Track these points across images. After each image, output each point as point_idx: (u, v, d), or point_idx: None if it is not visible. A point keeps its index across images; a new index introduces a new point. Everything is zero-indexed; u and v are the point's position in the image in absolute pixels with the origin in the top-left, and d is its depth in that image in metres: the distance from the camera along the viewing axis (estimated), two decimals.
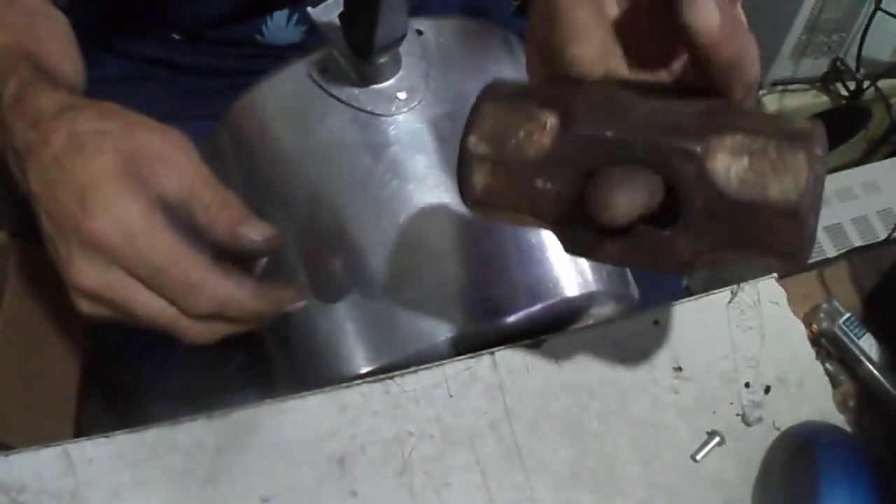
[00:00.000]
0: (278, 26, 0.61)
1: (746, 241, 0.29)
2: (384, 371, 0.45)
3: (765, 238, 0.28)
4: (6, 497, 0.41)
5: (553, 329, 0.47)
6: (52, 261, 0.37)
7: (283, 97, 0.49)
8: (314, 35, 0.57)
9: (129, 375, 0.65)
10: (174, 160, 0.37)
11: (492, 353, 0.46)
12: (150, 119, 0.38)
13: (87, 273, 0.35)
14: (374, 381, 0.45)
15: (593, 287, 0.47)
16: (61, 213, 0.35)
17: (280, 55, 0.62)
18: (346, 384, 0.44)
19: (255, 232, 0.37)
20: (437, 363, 0.45)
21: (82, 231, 0.34)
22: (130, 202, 0.34)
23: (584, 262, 0.48)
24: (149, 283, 0.35)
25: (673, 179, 0.28)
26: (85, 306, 0.37)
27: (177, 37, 0.63)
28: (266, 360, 0.55)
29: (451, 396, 0.45)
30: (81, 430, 1.12)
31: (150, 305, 0.36)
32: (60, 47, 0.44)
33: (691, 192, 0.28)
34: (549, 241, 0.46)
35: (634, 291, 0.52)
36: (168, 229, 0.35)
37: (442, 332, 0.44)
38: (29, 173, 0.37)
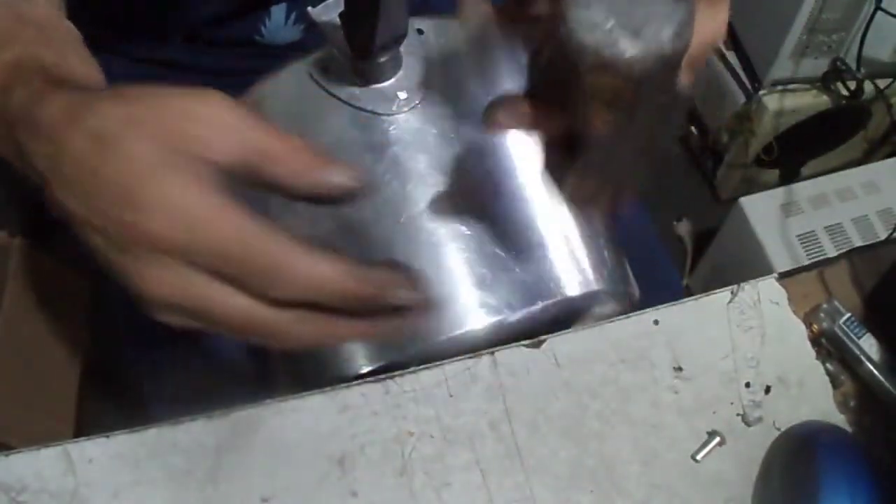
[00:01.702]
0: (277, 25, 0.61)
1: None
2: (384, 371, 0.45)
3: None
4: (6, 497, 0.41)
5: (554, 328, 0.47)
6: (119, 279, 0.32)
7: (284, 97, 0.49)
8: (314, 33, 0.57)
9: (130, 375, 0.65)
10: (218, 120, 0.31)
11: (492, 353, 0.46)
12: (172, 87, 0.32)
13: (159, 282, 0.30)
14: (374, 381, 0.45)
15: (594, 286, 0.47)
16: (110, 224, 0.30)
17: (280, 55, 0.62)
18: (346, 384, 0.44)
19: (341, 173, 0.32)
20: (437, 363, 0.45)
21: (139, 237, 0.30)
22: (182, 189, 0.29)
23: (585, 262, 0.48)
24: (228, 278, 0.30)
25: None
26: (165, 318, 0.32)
27: (177, 37, 0.64)
28: (266, 360, 0.55)
29: (450, 396, 0.45)
30: (81, 430, 1.12)
31: (231, 305, 0.30)
32: (80, 56, 0.40)
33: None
34: (550, 241, 0.46)
35: (635, 290, 0.52)
36: (233, 208, 0.30)
37: (442, 331, 0.44)
38: (60, 193, 0.32)
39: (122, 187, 0.30)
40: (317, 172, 0.32)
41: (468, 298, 0.44)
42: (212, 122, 0.31)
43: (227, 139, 0.31)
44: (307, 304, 0.31)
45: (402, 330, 0.33)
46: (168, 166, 0.30)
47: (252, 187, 0.32)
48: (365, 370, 0.44)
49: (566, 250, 0.47)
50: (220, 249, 0.30)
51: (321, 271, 0.31)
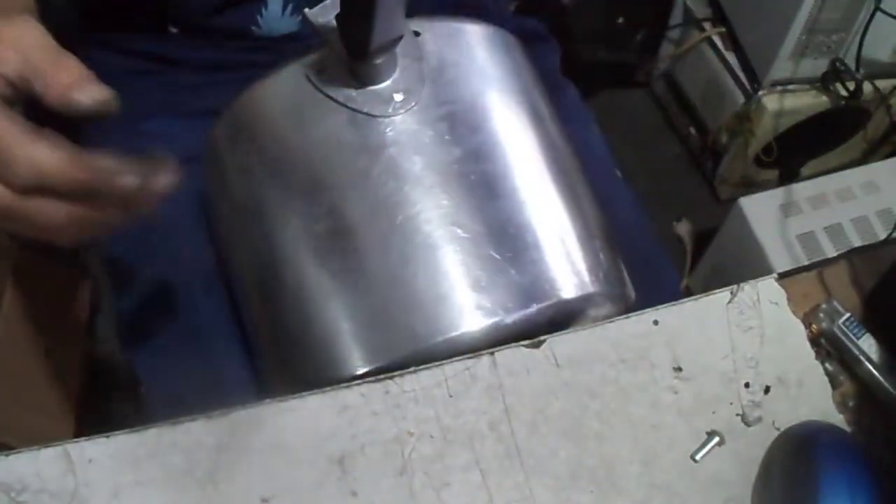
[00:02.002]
0: (274, 15, 0.61)
1: None
2: (380, 372, 0.45)
3: None
4: (6, 497, 0.41)
5: (550, 330, 0.47)
6: None
7: (280, 98, 0.49)
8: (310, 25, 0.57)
9: (130, 375, 0.65)
10: (12, 38, 0.37)
11: (491, 354, 0.46)
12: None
13: None
14: (373, 382, 0.45)
15: (590, 288, 0.47)
16: None
17: (277, 48, 0.62)
18: (345, 384, 0.44)
19: (85, 94, 0.37)
20: (437, 363, 0.45)
21: None
22: None
23: (580, 264, 0.48)
24: None
25: None
26: None
27: (173, 30, 0.63)
28: (258, 364, 0.55)
29: (450, 396, 0.45)
30: (81, 430, 1.12)
31: None
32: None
33: None
34: (545, 243, 0.46)
35: (631, 292, 0.52)
36: None
37: (438, 333, 0.44)
38: None
39: None
40: (71, 91, 0.37)
41: (464, 300, 0.44)
42: (9, 40, 0.36)
43: (12, 55, 0.36)
44: (48, 191, 0.35)
45: (128, 218, 0.39)
46: None
47: (27, 104, 0.37)
48: (361, 371, 0.44)
49: (562, 252, 0.47)
50: None
51: (42, 157, 0.35)
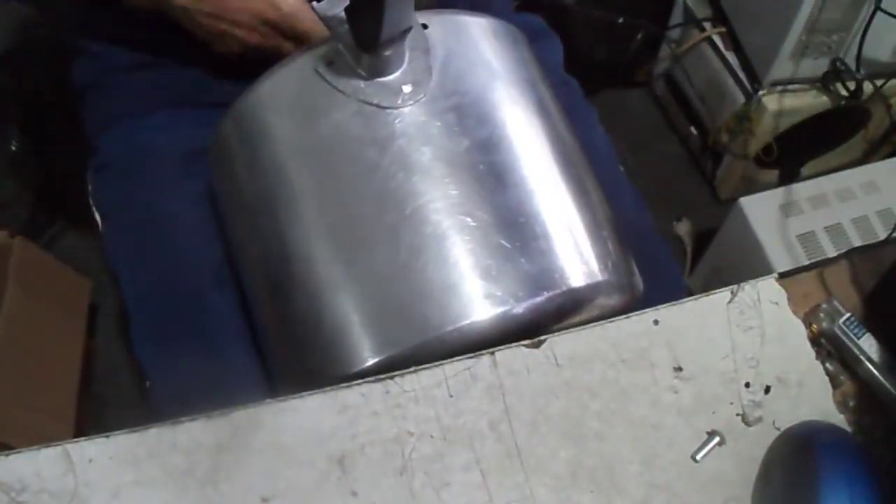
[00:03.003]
0: None
1: None
2: (391, 363, 0.44)
3: None
4: (6, 497, 0.41)
5: (558, 319, 0.47)
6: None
7: (289, 91, 0.49)
8: None
9: (130, 375, 0.65)
10: None
11: (492, 353, 0.46)
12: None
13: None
14: (374, 381, 0.45)
15: (599, 277, 0.47)
16: None
17: None
18: (346, 384, 0.44)
19: None
20: (437, 363, 0.45)
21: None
22: None
23: (589, 253, 0.48)
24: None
25: None
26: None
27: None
28: (267, 359, 0.55)
29: (450, 396, 0.45)
30: (81, 430, 1.12)
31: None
32: None
33: None
34: (554, 232, 0.46)
35: (639, 283, 0.52)
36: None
37: (449, 322, 0.43)
38: None
39: None
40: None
41: (474, 289, 0.44)
42: None
43: None
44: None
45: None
46: None
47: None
48: (371, 362, 0.44)
49: (570, 241, 0.47)
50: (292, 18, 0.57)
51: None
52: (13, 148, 1.28)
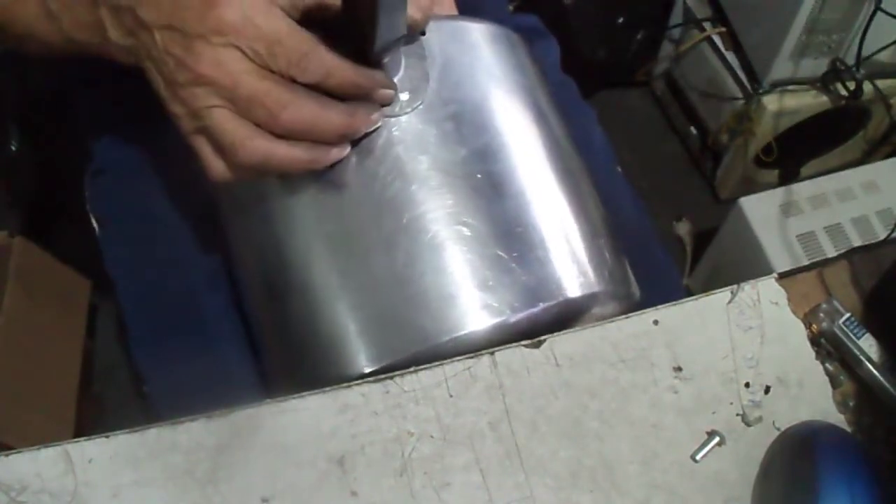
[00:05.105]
0: None
1: None
2: (386, 371, 0.45)
3: None
4: (6, 497, 0.41)
5: (555, 328, 0.47)
6: (157, 79, 0.43)
7: None
8: None
9: (130, 375, 0.65)
10: None
11: (491, 354, 0.46)
12: None
13: (214, 62, 0.40)
14: (374, 381, 0.45)
15: (595, 287, 0.47)
16: (190, 19, 0.40)
17: None
18: (346, 384, 0.44)
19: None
20: (437, 363, 0.45)
21: (207, 20, 0.39)
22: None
23: (586, 263, 0.48)
24: (262, 60, 0.40)
25: None
26: (192, 96, 0.41)
27: None
28: (266, 361, 0.55)
29: (450, 396, 0.45)
30: (81, 430, 1.12)
31: (255, 85, 0.40)
32: None
33: None
34: (551, 242, 0.46)
35: (636, 291, 0.52)
36: (283, 13, 0.40)
37: (445, 332, 0.44)
38: (144, 10, 0.41)
39: None
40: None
41: (470, 300, 0.44)
42: None
43: None
44: (312, 87, 0.41)
45: (372, 121, 0.44)
46: None
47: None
48: (367, 370, 0.44)
49: (567, 251, 0.47)
50: (266, 35, 0.40)
51: (335, 61, 0.41)
52: (13, 148, 1.28)
